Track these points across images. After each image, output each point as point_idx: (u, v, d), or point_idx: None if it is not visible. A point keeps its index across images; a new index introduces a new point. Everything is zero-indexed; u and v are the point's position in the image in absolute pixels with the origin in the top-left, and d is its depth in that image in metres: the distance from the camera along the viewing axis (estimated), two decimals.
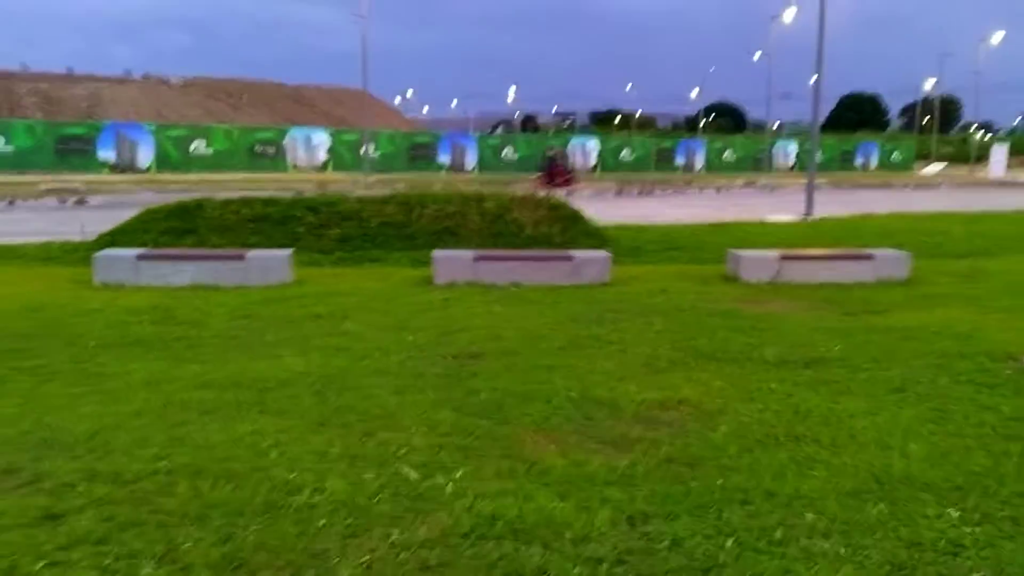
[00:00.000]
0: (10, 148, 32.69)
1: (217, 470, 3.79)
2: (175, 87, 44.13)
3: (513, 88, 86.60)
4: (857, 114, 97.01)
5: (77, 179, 25.86)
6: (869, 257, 10.67)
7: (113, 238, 11.69)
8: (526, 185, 26.02)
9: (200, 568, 2.94)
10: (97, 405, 4.84)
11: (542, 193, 16.60)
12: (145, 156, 34.84)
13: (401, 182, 27.37)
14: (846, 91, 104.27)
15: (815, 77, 23.41)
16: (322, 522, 3.31)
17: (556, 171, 34.62)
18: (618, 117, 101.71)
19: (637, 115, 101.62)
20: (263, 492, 3.57)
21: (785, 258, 10.50)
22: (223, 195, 14.43)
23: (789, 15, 54.99)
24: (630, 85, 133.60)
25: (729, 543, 3.20)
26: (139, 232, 11.71)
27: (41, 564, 2.97)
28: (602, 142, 52.27)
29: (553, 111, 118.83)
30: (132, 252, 9.67)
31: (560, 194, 18.57)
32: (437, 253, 10.27)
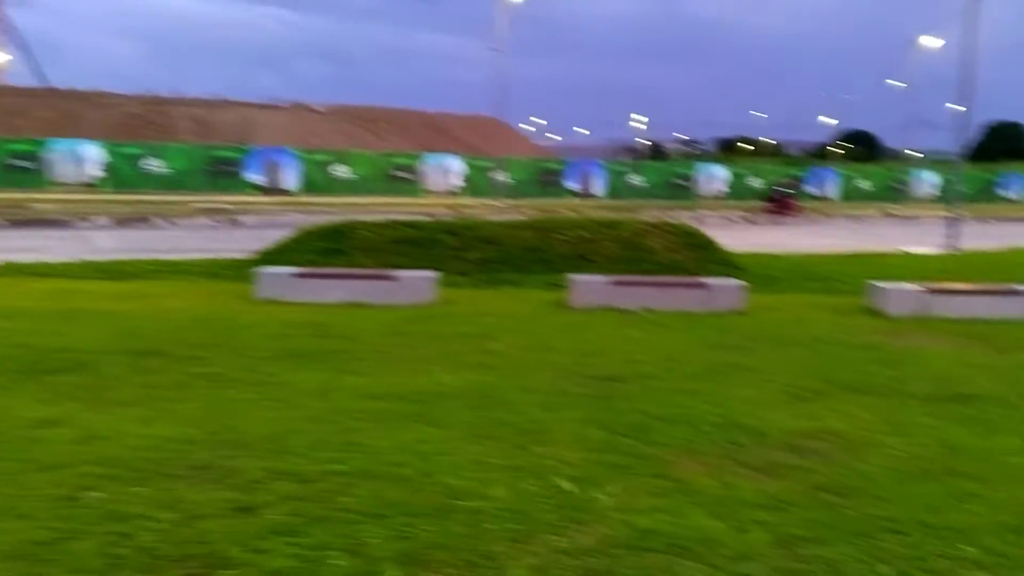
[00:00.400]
0: (167, 169, 35.23)
1: (389, 474, 4.10)
2: (320, 114, 46.30)
3: (639, 116, 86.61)
4: (1004, 143, 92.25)
5: (227, 200, 27.53)
6: (1022, 293, 10.27)
7: (269, 256, 12.44)
8: (654, 212, 26.05)
9: (385, 561, 3.22)
10: (271, 410, 5.25)
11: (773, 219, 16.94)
12: (291, 179, 36.77)
13: (531, 207, 27.81)
14: (991, 119, 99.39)
15: (956, 104, 22.62)
16: (490, 526, 3.55)
17: (787, 203, 35.45)
18: (745, 144, 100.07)
19: (766, 142, 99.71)
20: (433, 495, 3.85)
21: (932, 291, 10.24)
22: (363, 217, 15.11)
23: (929, 41, 53.04)
24: (758, 112, 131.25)
25: (886, 569, 3.26)
26: (293, 251, 12.42)
27: (242, 551, 3.30)
28: (730, 170, 51.59)
29: (677, 139, 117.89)
30: (290, 270, 10.31)
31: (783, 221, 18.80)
32: (574, 277, 10.50)
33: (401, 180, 39.88)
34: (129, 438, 4.54)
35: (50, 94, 42.39)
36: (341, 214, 20.66)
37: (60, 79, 52.25)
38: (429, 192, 39.13)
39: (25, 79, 48.10)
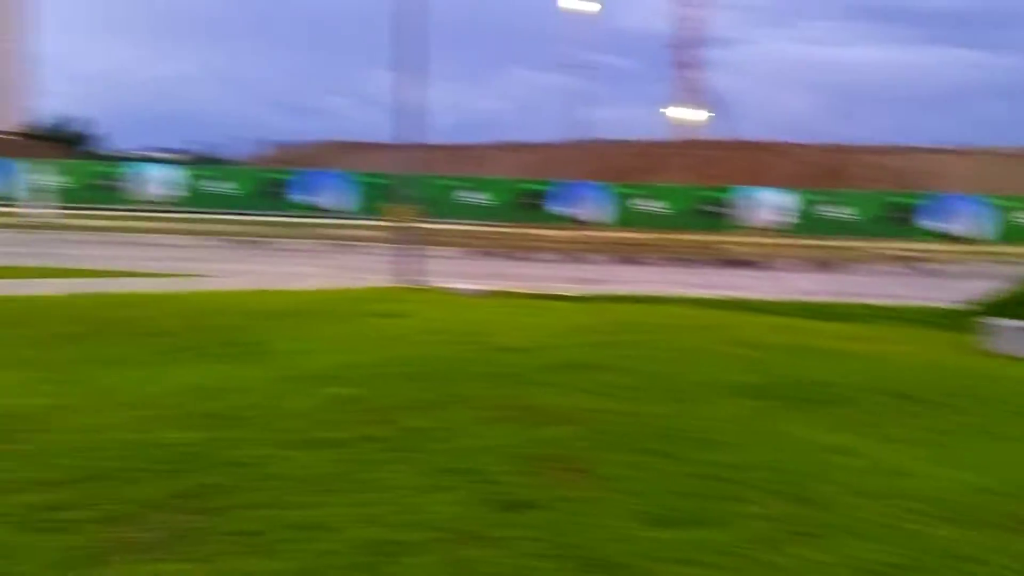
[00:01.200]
0: (848, 215, 36.30)
1: None
2: (1008, 157, 42.72)
3: None
4: None
5: (910, 247, 27.02)
6: None
7: (990, 307, 11.77)
8: None
9: None
10: None
11: None
12: (977, 226, 34.58)
13: None
14: None
15: None
16: None
17: None
18: None
19: None
20: None
21: None
22: None
23: None
24: None
25: None
26: (1015, 303, 11.57)
27: None
28: None
29: None
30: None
31: None
32: None
33: None
34: (929, 478, 4.67)
35: (740, 146, 46.19)
36: None
37: (747, 131, 56.89)
38: None
39: (717, 133, 53.05)
